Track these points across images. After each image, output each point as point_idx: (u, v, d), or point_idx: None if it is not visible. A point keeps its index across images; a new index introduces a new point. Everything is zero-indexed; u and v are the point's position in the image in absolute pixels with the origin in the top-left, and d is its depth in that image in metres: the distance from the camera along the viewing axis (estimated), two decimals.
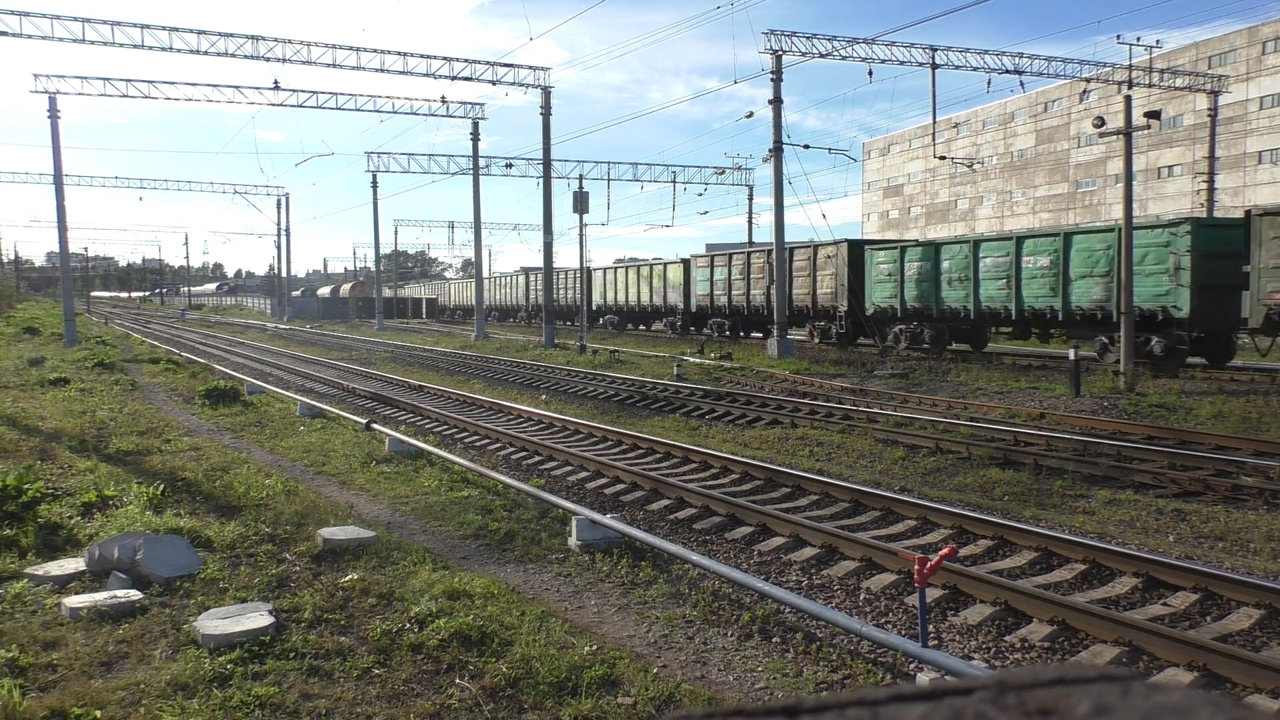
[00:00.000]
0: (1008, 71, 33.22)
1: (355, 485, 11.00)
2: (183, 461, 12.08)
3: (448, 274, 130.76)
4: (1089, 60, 36.46)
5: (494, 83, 36.33)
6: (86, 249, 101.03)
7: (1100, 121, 19.79)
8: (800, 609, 6.16)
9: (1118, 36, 59.04)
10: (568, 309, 53.59)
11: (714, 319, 38.56)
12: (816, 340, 32.38)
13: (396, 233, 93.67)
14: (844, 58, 30.61)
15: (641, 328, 48.38)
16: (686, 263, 40.67)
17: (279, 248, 75.92)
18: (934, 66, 31.35)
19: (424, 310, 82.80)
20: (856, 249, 30.15)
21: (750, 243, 55.95)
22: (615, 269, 48.50)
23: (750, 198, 57.04)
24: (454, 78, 35.84)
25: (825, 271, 31.02)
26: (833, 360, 26.79)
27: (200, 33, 31.39)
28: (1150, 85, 39.11)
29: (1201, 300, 20.02)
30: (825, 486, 10.12)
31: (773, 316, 30.92)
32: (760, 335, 37.26)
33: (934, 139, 35.81)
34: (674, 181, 52.98)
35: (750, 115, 34.48)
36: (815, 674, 5.61)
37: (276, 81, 34.83)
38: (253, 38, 32.20)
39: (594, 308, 48.07)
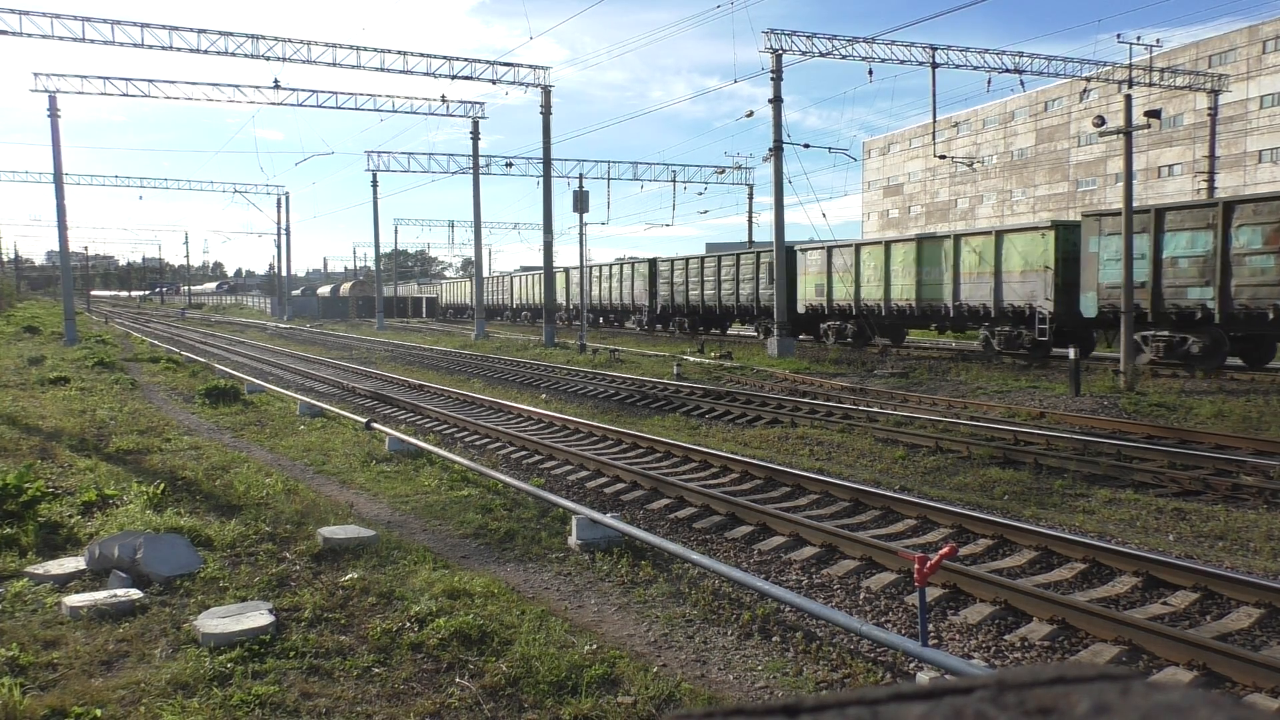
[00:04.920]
0: (1008, 71, 33.20)
1: (355, 484, 11.00)
2: (183, 460, 12.08)
3: (448, 273, 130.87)
4: (1089, 59, 36.46)
5: (494, 82, 36.33)
6: (86, 248, 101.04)
7: (1100, 120, 19.79)
8: (800, 608, 6.16)
9: (1118, 35, 59.03)
10: (690, 309, 39.18)
11: (1156, 331, 21.29)
12: None
13: (396, 232, 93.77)
14: (844, 57, 30.60)
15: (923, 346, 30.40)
16: (1064, 229, 23.50)
17: (279, 247, 75.97)
18: (934, 66, 31.34)
19: (424, 309, 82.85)
20: None
21: (751, 241, 55.70)
22: (876, 245, 29.61)
23: (750, 197, 57.07)
24: (454, 77, 35.83)
25: None
26: (833, 360, 26.79)
27: (200, 31, 31.39)
28: (1150, 84, 39.08)
29: None
30: (825, 486, 10.12)
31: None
32: (1242, 362, 21.45)
33: (934, 138, 35.80)
34: (674, 181, 53.01)
35: (750, 114, 34.53)
36: (815, 673, 5.61)
37: (276, 80, 34.83)
38: (253, 37, 32.20)
39: (801, 310, 32.59)
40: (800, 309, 32.55)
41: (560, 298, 51.69)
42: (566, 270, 52.39)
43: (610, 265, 47.96)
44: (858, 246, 30.19)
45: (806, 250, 32.41)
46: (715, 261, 37.20)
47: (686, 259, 39.55)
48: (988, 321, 25.82)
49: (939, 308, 26.76)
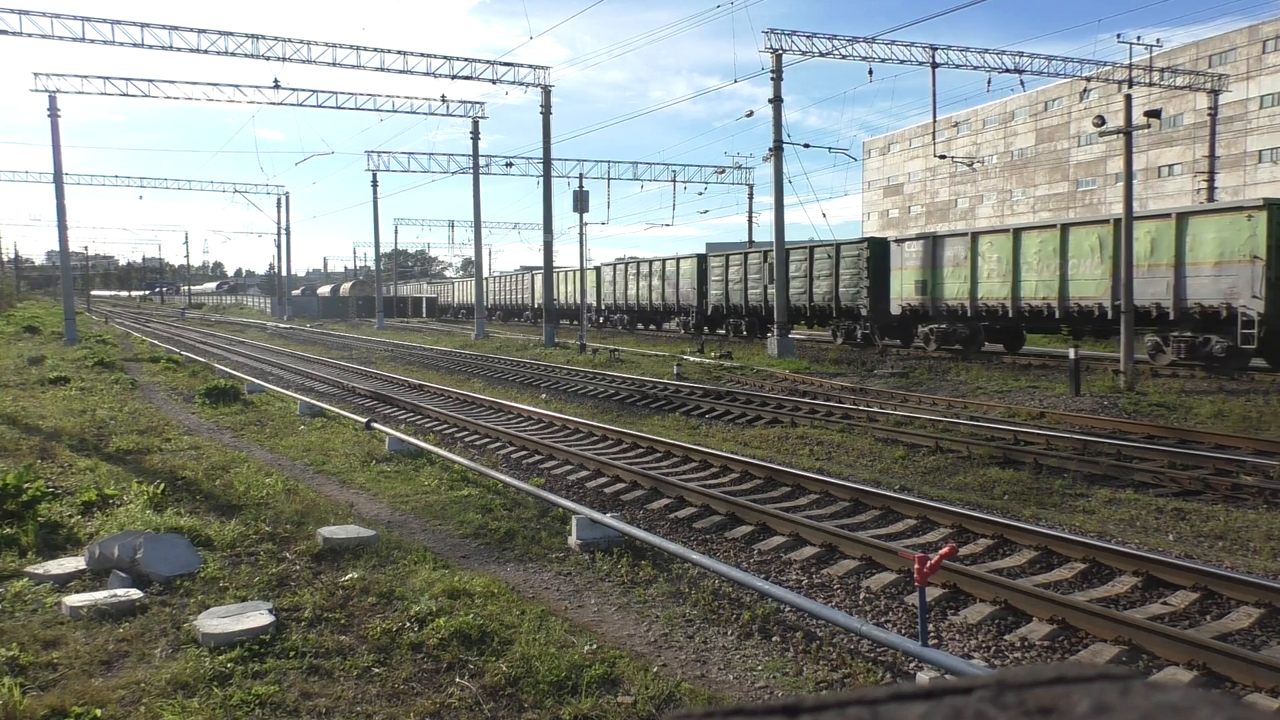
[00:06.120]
0: (1008, 70, 33.20)
1: (355, 484, 11.00)
2: (183, 460, 12.08)
3: (448, 273, 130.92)
4: (1089, 59, 36.47)
5: (494, 81, 36.35)
6: (86, 248, 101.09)
7: (1100, 120, 19.78)
8: (800, 608, 6.16)
9: (1118, 35, 59.08)
10: (750, 310, 34.94)
11: None
12: None
13: (396, 232, 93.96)
14: (844, 56, 30.60)
15: None
16: (1278, 210, 19.34)
17: (279, 247, 76.01)
18: (934, 65, 31.34)
19: (424, 309, 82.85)
20: None
21: (751, 241, 55.58)
22: (1002, 234, 25.47)
23: (750, 197, 57.09)
24: (454, 76, 35.83)
25: None
26: (833, 360, 26.79)
27: (200, 31, 31.39)
28: (1150, 84, 39.08)
29: None
30: (825, 485, 10.12)
31: None
32: None
33: (934, 138, 35.79)
34: (674, 180, 53.02)
35: (750, 114, 34.54)
36: (815, 673, 5.61)
37: (277, 80, 34.84)
38: (253, 36, 32.20)
39: (896, 310, 28.92)
40: (895, 309, 28.70)
41: (590, 298, 48.11)
42: (598, 269, 49.58)
43: (651, 262, 44.20)
44: (974, 235, 26.02)
45: (903, 241, 28.49)
46: (784, 256, 32.20)
47: (745, 254, 36.07)
48: (1160, 325, 21.45)
49: (1090, 308, 22.37)
